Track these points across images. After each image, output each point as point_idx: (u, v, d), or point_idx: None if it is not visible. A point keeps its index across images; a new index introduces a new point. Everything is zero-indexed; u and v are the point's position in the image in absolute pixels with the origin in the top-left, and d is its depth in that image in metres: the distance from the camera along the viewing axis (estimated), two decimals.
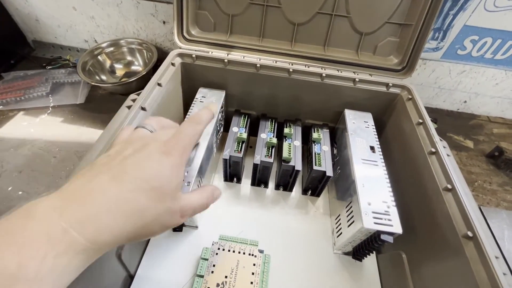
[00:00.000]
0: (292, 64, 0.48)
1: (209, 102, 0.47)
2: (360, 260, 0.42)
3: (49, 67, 0.72)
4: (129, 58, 0.72)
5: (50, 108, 0.63)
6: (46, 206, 0.17)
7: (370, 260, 0.43)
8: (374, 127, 0.47)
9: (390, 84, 0.46)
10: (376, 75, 0.49)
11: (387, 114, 0.49)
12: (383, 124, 0.50)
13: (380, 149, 0.43)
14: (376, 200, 0.36)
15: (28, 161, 0.54)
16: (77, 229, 0.17)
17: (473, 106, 0.77)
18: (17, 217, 0.17)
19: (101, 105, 0.66)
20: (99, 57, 0.68)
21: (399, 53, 0.49)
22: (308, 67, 0.48)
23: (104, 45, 0.69)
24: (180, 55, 0.47)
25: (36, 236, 0.15)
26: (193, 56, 0.47)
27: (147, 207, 0.20)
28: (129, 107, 0.38)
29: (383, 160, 0.41)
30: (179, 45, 0.50)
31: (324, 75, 0.46)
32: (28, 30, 0.77)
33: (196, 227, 0.45)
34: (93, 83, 0.64)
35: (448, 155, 0.36)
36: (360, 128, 0.46)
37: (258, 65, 0.46)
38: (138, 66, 0.72)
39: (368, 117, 0.48)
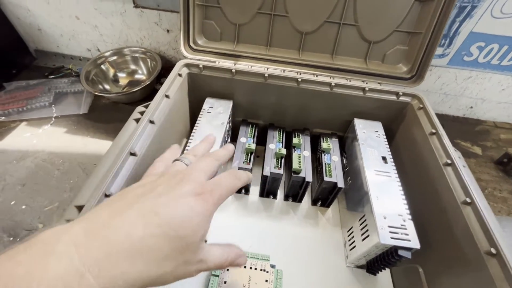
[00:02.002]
0: (300, 74, 0.47)
1: (218, 113, 0.46)
2: (375, 274, 0.41)
3: (51, 77, 0.71)
4: (132, 67, 0.71)
5: (53, 119, 0.62)
6: (69, 241, 0.16)
7: (384, 274, 0.42)
8: (384, 136, 0.46)
9: (400, 93, 0.46)
10: (385, 84, 0.49)
11: (397, 123, 0.49)
12: (393, 133, 0.49)
13: (392, 160, 0.42)
14: (391, 213, 0.36)
15: (31, 174, 0.53)
16: (94, 273, 0.16)
17: (479, 112, 0.76)
18: (38, 250, 0.16)
19: (104, 115, 0.65)
20: (102, 66, 0.67)
21: (408, 61, 0.49)
22: (317, 76, 0.48)
23: (107, 54, 0.68)
24: (187, 65, 0.47)
25: (52, 282, 0.15)
26: (200, 66, 0.46)
27: (168, 256, 0.19)
28: (136, 120, 0.38)
29: (396, 171, 0.41)
30: (186, 55, 0.50)
31: (333, 84, 0.46)
32: (30, 40, 0.77)
33: (205, 241, 0.43)
34: (96, 93, 0.63)
35: (464, 166, 0.36)
36: (370, 138, 0.46)
37: (266, 75, 0.46)
38: (141, 75, 0.71)
39: (378, 126, 0.48)
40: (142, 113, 0.39)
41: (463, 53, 0.63)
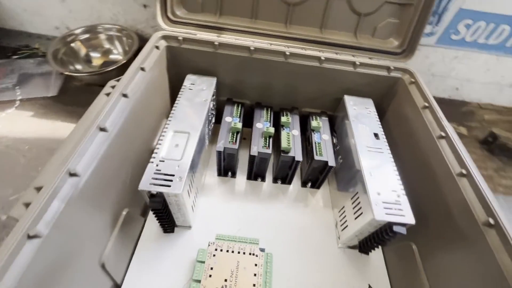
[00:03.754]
0: (288, 47, 0.44)
1: (200, 90, 0.43)
2: (367, 254, 0.40)
3: (15, 57, 0.65)
4: (107, 46, 0.65)
5: (18, 102, 0.57)
6: None
7: (376, 253, 0.41)
8: (376, 113, 0.44)
9: (392, 68, 0.44)
10: (375, 58, 0.47)
11: (388, 99, 0.47)
12: (384, 110, 0.48)
13: (384, 136, 0.41)
14: (385, 189, 0.34)
15: None
16: None
17: (464, 93, 0.77)
18: None
19: (77, 97, 0.59)
20: (72, 44, 0.61)
21: (399, 35, 0.47)
22: (305, 50, 0.45)
23: (78, 31, 0.62)
24: (165, 37, 0.43)
25: None
26: (180, 38, 0.42)
27: None
28: (108, 94, 0.34)
29: (388, 147, 0.39)
30: (163, 27, 0.45)
31: (322, 58, 0.43)
32: None
33: (190, 227, 0.41)
34: (66, 73, 0.57)
35: (458, 139, 0.35)
36: (361, 115, 0.44)
37: (252, 48, 0.42)
38: (117, 55, 0.66)
39: (369, 103, 0.46)
40: (113, 87, 0.35)
41: (451, 31, 0.62)
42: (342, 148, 0.44)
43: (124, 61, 0.58)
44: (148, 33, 0.68)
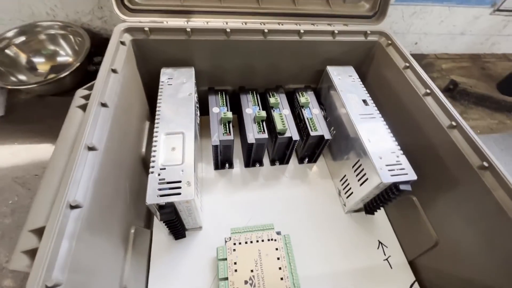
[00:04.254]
0: (264, 24, 0.42)
1: (180, 84, 0.39)
2: (373, 214, 0.42)
3: None
4: (51, 47, 0.56)
5: None
6: None
7: (379, 212, 0.44)
8: (359, 80, 0.45)
9: (368, 32, 0.44)
10: (350, 25, 0.46)
11: (367, 64, 0.48)
12: (364, 74, 0.49)
13: (372, 101, 0.42)
14: (385, 152, 0.36)
15: None
16: None
17: (422, 47, 0.81)
18: None
19: (28, 113, 0.52)
20: (7, 51, 0.52)
21: None
22: (282, 24, 0.43)
23: (9, 34, 0.52)
24: (129, 30, 0.38)
25: None
26: (146, 29, 0.38)
27: None
28: (82, 106, 0.29)
29: (378, 112, 0.40)
30: (123, 18, 0.40)
31: (302, 31, 0.42)
32: None
33: (200, 227, 0.39)
34: (9, 87, 0.49)
35: (441, 94, 0.37)
36: (347, 83, 0.44)
37: (228, 30, 0.39)
38: (66, 57, 0.57)
39: (350, 71, 0.46)
40: (86, 97, 0.30)
41: None
42: (333, 119, 0.45)
43: (78, 64, 0.51)
44: (98, 26, 0.59)
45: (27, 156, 0.46)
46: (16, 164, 0.45)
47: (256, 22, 0.43)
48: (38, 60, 0.55)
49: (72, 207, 0.22)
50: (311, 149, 0.46)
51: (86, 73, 0.55)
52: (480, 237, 0.30)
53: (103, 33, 0.61)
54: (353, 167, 0.40)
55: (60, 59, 0.57)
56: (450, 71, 0.78)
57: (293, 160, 0.49)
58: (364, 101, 0.42)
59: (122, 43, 0.36)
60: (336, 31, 0.43)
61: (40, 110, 0.52)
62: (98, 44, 0.56)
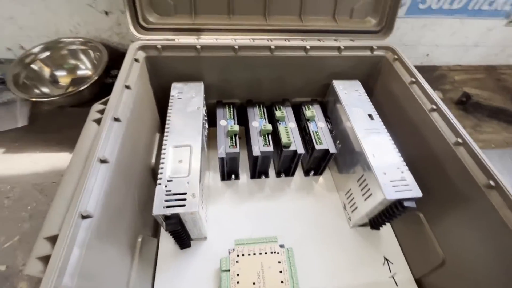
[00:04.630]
0: (271, 40, 0.44)
1: (189, 98, 0.41)
2: (379, 229, 0.42)
3: None
4: (72, 61, 0.60)
5: None
6: None
7: (386, 227, 0.43)
8: (365, 94, 0.45)
9: (375, 47, 0.45)
10: (357, 40, 0.47)
11: (374, 78, 0.48)
12: (371, 89, 0.49)
13: (378, 116, 0.42)
14: (389, 168, 0.35)
15: None
16: None
17: (434, 58, 0.80)
18: None
19: (50, 123, 0.55)
20: (33, 65, 0.56)
21: (376, 13, 0.48)
22: (289, 40, 0.44)
23: (36, 50, 0.56)
24: (143, 47, 0.40)
25: None
26: (159, 47, 0.40)
27: None
28: (97, 120, 0.31)
29: (384, 126, 0.40)
30: (138, 36, 0.42)
31: (308, 47, 0.43)
32: None
33: (205, 238, 0.40)
34: (33, 99, 0.52)
35: (448, 110, 0.36)
36: (353, 97, 0.45)
37: (236, 47, 0.41)
38: (86, 70, 0.61)
39: (357, 85, 0.47)
40: (101, 111, 0.32)
41: (419, 1, 0.63)
42: (339, 132, 0.45)
43: (96, 77, 0.54)
44: (115, 42, 0.63)
45: (46, 164, 0.49)
46: (36, 171, 0.48)
47: (264, 38, 0.45)
48: (60, 73, 0.59)
49: (84, 217, 0.24)
50: (316, 162, 0.47)
51: (103, 85, 0.58)
52: (488, 257, 0.29)
53: (120, 48, 0.64)
54: (358, 181, 0.40)
55: (80, 72, 0.61)
56: (463, 83, 0.77)
57: (299, 172, 0.49)
58: (370, 115, 0.42)
59: (136, 60, 0.39)
60: (342, 47, 0.44)
61: (60, 120, 0.56)
62: (115, 58, 0.59)
